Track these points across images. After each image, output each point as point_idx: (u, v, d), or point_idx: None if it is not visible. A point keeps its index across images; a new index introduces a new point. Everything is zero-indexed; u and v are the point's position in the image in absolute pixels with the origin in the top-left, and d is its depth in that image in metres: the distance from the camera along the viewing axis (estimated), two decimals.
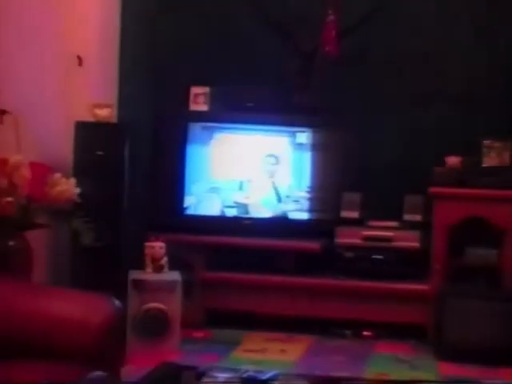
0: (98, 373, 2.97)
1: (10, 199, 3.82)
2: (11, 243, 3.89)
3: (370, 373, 4.54)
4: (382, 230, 5.38)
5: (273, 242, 5.33)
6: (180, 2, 5.76)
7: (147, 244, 4.91)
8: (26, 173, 3.89)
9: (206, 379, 2.29)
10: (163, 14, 5.67)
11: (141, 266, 4.90)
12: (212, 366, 3.35)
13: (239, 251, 5.34)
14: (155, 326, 4.81)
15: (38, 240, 4.20)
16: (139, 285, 4.81)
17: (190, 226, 5.35)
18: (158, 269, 4.90)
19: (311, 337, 5.26)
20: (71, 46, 4.86)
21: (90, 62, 4.97)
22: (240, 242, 5.32)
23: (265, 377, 2.51)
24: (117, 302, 3.27)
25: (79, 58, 4.87)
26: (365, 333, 5.32)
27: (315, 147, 5.45)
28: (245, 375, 2.41)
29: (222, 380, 2.27)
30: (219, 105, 5.48)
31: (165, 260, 4.92)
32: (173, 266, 4.97)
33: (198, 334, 5.23)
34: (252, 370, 2.76)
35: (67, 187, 4.04)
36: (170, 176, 5.38)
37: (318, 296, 5.31)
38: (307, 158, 5.45)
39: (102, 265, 4.56)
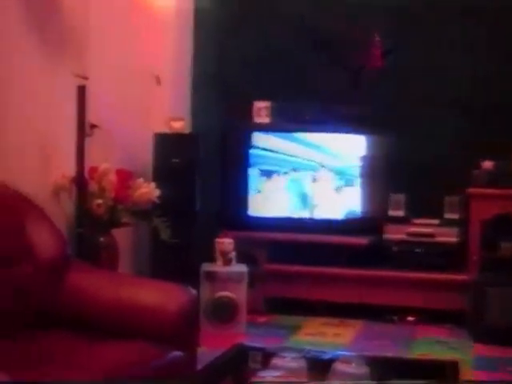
0: (176, 353, 3.03)
1: (99, 201, 3.88)
2: (101, 239, 3.95)
3: (413, 354, 4.54)
4: (424, 226, 5.40)
5: (328, 238, 5.35)
6: (245, 23, 5.79)
7: (217, 240, 4.96)
8: (112, 178, 3.95)
9: (275, 358, 2.31)
10: (230, 35, 5.70)
11: (212, 260, 4.95)
12: (279, 346, 3.37)
13: (298, 246, 5.36)
14: (224, 312, 4.86)
15: (122, 236, 4.26)
16: (210, 276, 4.86)
17: (254, 223, 5.38)
18: (227, 262, 4.94)
19: (362, 322, 5.26)
20: (150, 66, 4.91)
21: (166, 79, 5.02)
22: (299, 238, 5.35)
23: (327, 357, 2.53)
24: (192, 291, 3.32)
25: (158, 78, 4.92)
26: (409, 318, 5.31)
27: (364, 153, 5.47)
28: (309, 355, 2.43)
29: (290, 359, 2.29)
30: (280, 117, 5.50)
31: (233, 254, 4.96)
32: (240, 259, 5.01)
33: (262, 319, 5.26)
34: (315, 350, 2.79)
35: (148, 190, 4.09)
36: (237, 179, 5.42)
37: (367, 285, 5.32)
38: (358, 163, 5.48)
39: (178, 258, 4.59)
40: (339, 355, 2.50)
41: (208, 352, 3.69)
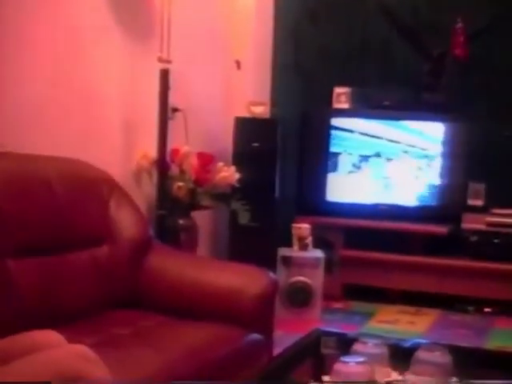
0: (255, 335, 3.03)
1: (180, 184, 3.91)
2: (181, 222, 3.98)
3: (490, 345, 4.45)
4: (504, 216, 5.28)
5: (405, 225, 5.29)
6: (325, 9, 5.75)
7: (294, 225, 4.95)
8: (193, 161, 3.98)
9: (357, 345, 2.29)
10: (311, 21, 5.67)
11: (289, 244, 4.94)
12: (359, 332, 3.35)
13: (375, 232, 5.31)
14: (300, 297, 4.84)
15: (202, 219, 4.29)
16: (287, 260, 4.85)
17: (331, 209, 5.36)
18: (304, 247, 4.93)
19: (437, 311, 5.19)
20: (231, 51, 4.92)
21: (247, 65, 5.03)
22: (376, 225, 5.30)
23: (408, 344, 2.51)
24: (272, 275, 3.32)
25: (238, 62, 4.93)
26: (486, 309, 5.21)
27: (444, 140, 5.39)
28: (390, 342, 2.41)
29: (371, 345, 2.27)
30: (359, 103, 5.46)
31: (309, 239, 4.94)
32: (316, 244, 4.99)
33: (337, 305, 5.24)
34: (395, 338, 2.76)
35: (228, 174, 4.11)
36: (315, 165, 5.40)
37: (444, 274, 5.24)
38: (438, 150, 5.41)
39: (256, 242, 4.61)
40: (421, 343, 2.47)
41: (283, 336, 3.71)
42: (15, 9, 3.17)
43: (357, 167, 5.44)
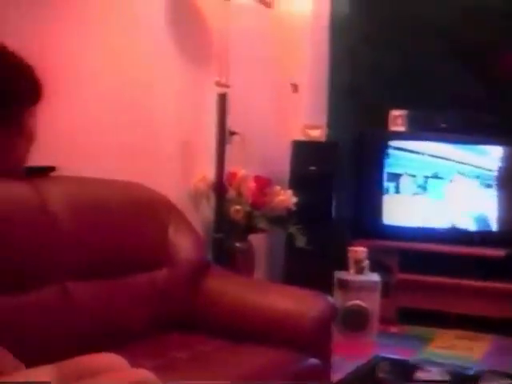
0: (313, 360, 3.01)
1: (238, 207, 3.91)
2: (238, 245, 3.99)
3: None
4: None
5: (463, 249, 5.21)
6: (380, 32, 5.73)
7: (351, 248, 4.91)
8: (251, 185, 3.99)
9: (419, 372, 2.26)
10: (366, 44, 5.66)
11: (345, 268, 4.90)
12: (420, 359, 3.30)
13: (432, 255, 5.24)
14: (356, 321, 4.79)
15: (258, 242, 4.29)
16: (343, 284, 4.81)
17: (388, 232, 5.31)
18: (360, 270, 4.87)
19: (495, 336, 5.08)
20: (287, 75, 4.93)
21: (303, 88, 5.04)
22: (433, 248, 5.23)
23: (471, 372, 2.46)
24: (329, 299, 3.29)
25: (294, 85, 4.94)
26: None
27: (503, 162, 5.31)
28: (452, 369, 2.37)
29: (433, 373, 2.23)
30: (416, 126, 5.42)
31: (366, 263, 4.89)
32: (372, 268, 4.94)
33: (393, 329, 5.17)
34: (456, 365, 2.71)
35: (285, 197, 4.10)
36: (371, 187, 5.36)
37: (502, 299, 5.13)
38: (496, 173, 5.34)
39: (312, 265, 4.59)
40: (484, 371, 2.42)
41: (340, 360, 3.66)
42: (76, 36, 3.23)
43: (414, 190, 5.39)
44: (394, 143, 5.36)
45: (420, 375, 2.24)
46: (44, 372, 1.83)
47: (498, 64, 5.41)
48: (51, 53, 2.95)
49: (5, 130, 1.68)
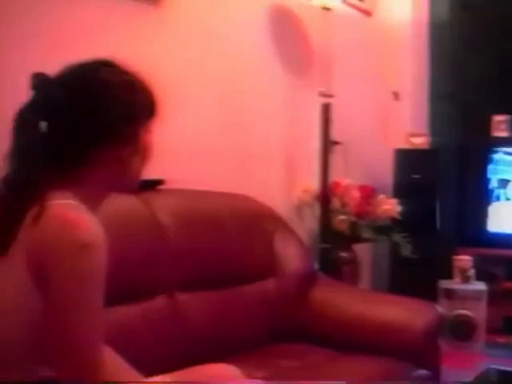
0: (422, 371, 2.97)
1: (342, 217, 3.90)
2: (343, 255, 3.97)
3: None
4: None
5: None
6: (481, 37, 5.62)
7: (456, 257, 4.83)
8: (355, 194, 3.97)
9: None
10: (467, 49, 5.56)
11: (450, 277, 4.82)
12: None
13: None
14: (462, 331, 4.70)
15: (363, 252, 4.26)
16: (449, 293, 4.73)
17: (494, 240, 5.19)
18: (466, 279, 4.79)
19: None
20: (388, 83, 4.90)
21: (405, 96, 4.99)
22: None
23: None
24: (437, 308, 3.24)
25: (395, 93, 4.90)
26: None
27: None
28: None
29: None
30: None
31: (471, 271, 4.81)
32: (479, 276, 4.85)
33: (500, 340, 5.04)
34: None
35: (390, 206, 4.06)
36: (476, 195, 5.25)
37: None
38: None
39: (416, 274, 4.53)
40: None
41: (447, 371, 3.59)
42: (181, 51, 3.29)
43: None
44: (497, 149, 5.24)
45: None
46: (160, 381, 1.86)
47: None
48: (158, 67, 3.00)
49: (123, 147, 1.72)
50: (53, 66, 1.74)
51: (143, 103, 1.77)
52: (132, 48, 2.93)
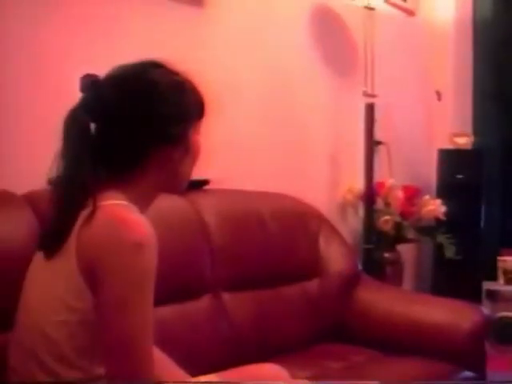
0: (468, 373, 2.94)
1: (387, 217, 3.88)
2: (386, 255, 3.95)
3: None
4: None
5: None
6: None
7: (500, 258, 4.78)
8: (399, 194, 3.95)
9: None
10: (510, 48, 5.50)
11: (493, 278, 4.77)
12: None
13: None
14: (507, 333, 4.65)
15: (406, 252, 4.24)
16: (492, 294, 4.68)
17: None
18: (510, 281, 4.74)
19: None
20: (431, 82, 4.87)
21: (447, 95, 4.95)
22: None
23: None
24: (483, 310, 3.21)
25: (438, 93, 4.86)
26: None
27: None
28: None
29: None
30: None
31: None
32: None
33: None
34: None
35: (434, 207, 4.04)
36: None
37: None
38: None
39: (460, 275, 4.49)
40: None
41: (492, 374, 3.55)
42: (225, 51, 3.32)
43: None
44: None
45: None
46: (208, 381, 1.87)
47: None
48: (205, 67, 3.02)
49: (173, 148, 1.73)
50: (102, 69, 1.75)
51: (192, 103, 1.78)
52: (178, 49, 2.95)
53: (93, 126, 1.70)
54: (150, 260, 1.57)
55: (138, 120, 1.69)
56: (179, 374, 1.94)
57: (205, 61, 3.08)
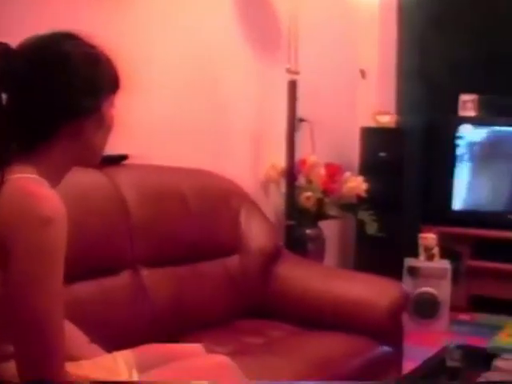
0: (386, 348, 2.99)
1: (309, 194, 3.91)
2: (309, 232, 3.98)
3: None
4: None
5: None
6: (450, 16, 5.63)
7: (421, 235, 4.86)
8: (321, 172, 3.98)
9: (498, 361, 2.22)
10: (435, 28, 5.57)
11: (415, 255, 4.85)
12: (497, 347, 3.24)
13: (503, 242, 5.14)
14: (427, 309, 4.74)
15: (329, 229, 4.28)
16: (413, 271, 4.77)
17: (458, 219, 5.23)
18: (430, 257, 4.83)
19: None
20: (356, 61, 4.90)
21: (372, 74, 4.99)
22: (504, 235, 5.12)
23: None
24: (402, 286, 3.27)
25: (362, 71, 4.90)
26: None
27: None
28: None
29: None
30: (486, 110, 5.32)
31: (436, 249, 4.85)
32: (443, 255, 4.89)
33: (464, 317, 5.09)
34: None
35: (356, 184, 4.08)
36: (442, 174, 5.29)
37: None
38: None
39: (382, 252, 4.56)
40: None
41: (411, 348, 3.62)
42: (146, 25, 3.26)
43: (483, 174, 5.29)
44: (463, 129, 5.27)
45: (500, 364, 2.20)
46: (123, 357, 1.85)
47: None
48: (124, 41, 2.98)
49: (85, 121, 1.69)
50: (14, 40, 1.71)
51: (106, 77, 1.74)
52: (96, 23, 2.89)
53: (3, 96, 1.66)
54: (59, 235, 1.54)
55: (50, 91, 1.65)
56: (92, 348, 1.91)
57: (124, 36, 3.03)
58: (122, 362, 1.83)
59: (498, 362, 2.21)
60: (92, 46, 1.74)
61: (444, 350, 2.63)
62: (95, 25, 2.67)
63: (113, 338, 2.05)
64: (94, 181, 2.68)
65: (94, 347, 1.92)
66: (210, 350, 2.05)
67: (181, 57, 3.46)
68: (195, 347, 1.98)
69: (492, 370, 2.17)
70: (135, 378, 1.79)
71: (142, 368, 1.84)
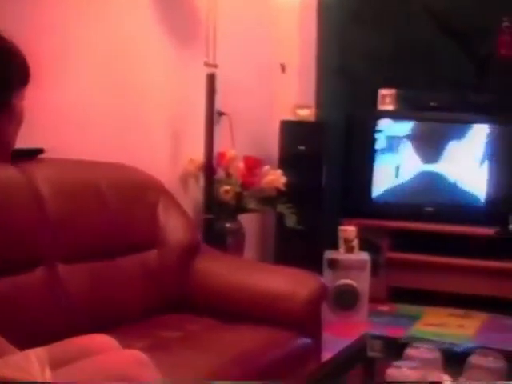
0: (304, 339, 3.02)
1: (227, 187, 3.92)
2: (228, 225, 4.00)
3: None
4: None
5: (452, 227, 5.21)
6: (369, 11, 5.72)
7: (341, 227, 4.92)
8: (240, 165, 4.00)
9: (410, 349, 2.27)
10: (355, 23, 5.64)
11: (335, 247, 4.92)
12: (410, 336, 3.31)
13: (422, 234, 5.25)
14: (347, 300, 4.81)
15: (248, 223, 4.30)
16: (333, 263, 4.82)
17: (377, 211, 5.32)
18: (350, 249, 4.90)
19: (487, 314, 5.10)
20: (276, 55, 4.93)
21: (292, 68, 5.03)
22: (421, 227, 5.23)
23: (460, 349, 2.48)
24: (320, 278, 3.31)
25: (282, 65, 4.94)
26: None
27: (491, 141, 5.32)
28: (443, 347, 2.38)
29: (424, 350, 2.24)
30: (404, 105, 5.42)
31: (356, 242, 4.92)
32: (362, 247, 4.96)
33: (384, 308, 5.19)
34: (447, 342, 2.73)
35: (275, 177, 4.11)
36: (361, 167, 5.37)
37: (492, 277, 5.15)
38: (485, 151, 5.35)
39: (302, 245, 4.61)
40: (474, 348, 2.43)
41: (330, 339, 3.68)
42: (62, 13, 3.21)
43: (402, 168, 5.39)
44: (382, 123, 5.37)
45: (411, 352, 2.25)
46: (35, 354, 1.83)
47: (487, 44, 5.41)
48: (36, 32, 2.94)
49: None
50: None
51: (15, 69, 1.72)
52: (12, 17, 2.84)
53: None
54: None
55: None
56: (3, 346, 1.89)
57: (39, 29, 2.99)
58: (34, 360, 1.81)
59: (408, 351, 2.26)
60: (0, 39, 1.71)
61: (360, 339, 2.67)
62: (11, 18, 2.64)
63: (28, 336, 2.03)
64: (7, 176, 2.63)
65: (8, 346, 1.89)
66: (125, 345, 2.04)
67: (98, 50, 3.42)
68: (109, 341, 1.97)
69: (403, 358, 2.22)
70: (48, 375, 1.77)
71: (56, 365, 1.82)
